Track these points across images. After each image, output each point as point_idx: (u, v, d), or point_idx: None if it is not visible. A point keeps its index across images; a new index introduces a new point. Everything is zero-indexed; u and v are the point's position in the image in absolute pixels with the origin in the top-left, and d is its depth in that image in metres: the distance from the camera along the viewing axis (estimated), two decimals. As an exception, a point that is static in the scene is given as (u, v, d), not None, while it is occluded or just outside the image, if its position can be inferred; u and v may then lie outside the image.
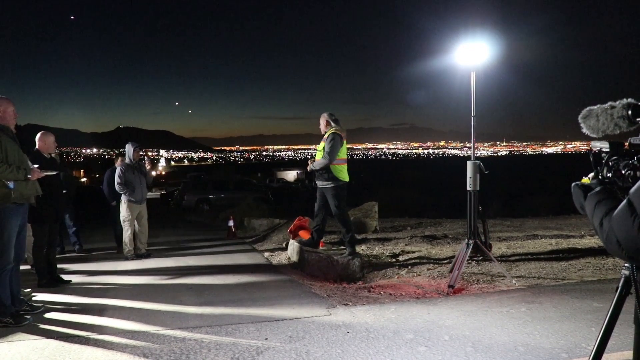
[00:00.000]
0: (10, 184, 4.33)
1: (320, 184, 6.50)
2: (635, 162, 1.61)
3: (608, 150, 1.72)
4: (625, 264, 1.74)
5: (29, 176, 4.50)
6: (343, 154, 6.42)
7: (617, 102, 1.63)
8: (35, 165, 4.77)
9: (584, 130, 1.71)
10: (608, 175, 1.68)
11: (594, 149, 1.77)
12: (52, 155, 6.12)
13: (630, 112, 1.60)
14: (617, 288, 1.79)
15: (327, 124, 6.52)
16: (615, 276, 5.61)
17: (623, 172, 1.64)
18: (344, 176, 6.42)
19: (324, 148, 6.32)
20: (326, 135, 6.37)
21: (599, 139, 1.73)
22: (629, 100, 1.61)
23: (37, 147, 5.82)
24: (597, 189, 1.62)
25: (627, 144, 1.69)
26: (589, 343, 3.52)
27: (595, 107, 1.68)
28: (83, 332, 4.09)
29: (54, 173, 5.38)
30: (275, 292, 5.41)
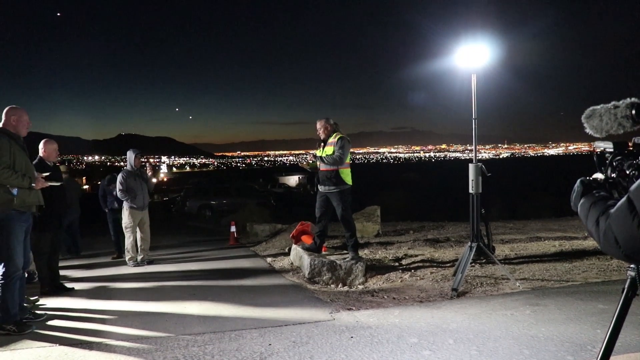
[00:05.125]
0: (14, 191, 4.34)
1: (326, 188, 6.49)
2: None
3: (612, 150, 1.71)
4: (631, 265, 1.72)
5: (33, 185, 4.51)
6: (348, 158, 6.47)
7: (621, 102, 1.62)
8: (42, 174, 4.77)
9: (587, 130, 1.69)
10: (612, 175, 1.66)
11: (598, 149, 1.76)
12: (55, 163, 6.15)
13: (634, 111, 1.58)
14: (623, 290, 1.77)
15: (331, 129, 6.55)
16: (619, 277, 5.59)
17: (627, 172, 1.62)
18: (349, 180, 6.48)
19: (334, 151, 6.35)
20: (335, 140, 6.41)
21: (602, 139, 1.71)
22: (633, 99, 1.59)
23: (40, 154, 5.84)
24: (594, 192, 1.60)
25: (631, 143, 1.68)
26: (595, 345, 3.50)
27: (599, 106, 1.67)
28: (86, 337, 4.08)
29: (58, 184, 5.40)
30: (278, 297, 5.40)
